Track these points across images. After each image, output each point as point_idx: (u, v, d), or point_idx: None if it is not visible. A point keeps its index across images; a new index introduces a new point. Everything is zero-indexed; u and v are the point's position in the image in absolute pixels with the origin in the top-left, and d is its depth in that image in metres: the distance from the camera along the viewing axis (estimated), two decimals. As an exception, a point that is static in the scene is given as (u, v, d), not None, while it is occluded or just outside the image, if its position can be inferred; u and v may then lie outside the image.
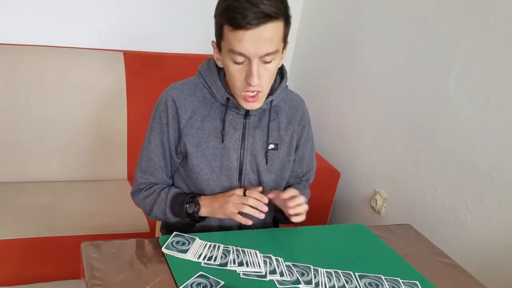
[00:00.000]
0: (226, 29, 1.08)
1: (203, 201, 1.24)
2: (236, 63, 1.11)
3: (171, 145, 1.27)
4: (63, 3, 2.16)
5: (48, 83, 2.04)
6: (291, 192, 1.24)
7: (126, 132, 2.17)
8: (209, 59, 1.27)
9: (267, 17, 1.04)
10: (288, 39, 1.16)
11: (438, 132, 1.82)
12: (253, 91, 1.14)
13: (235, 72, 1.12)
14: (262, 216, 1.18)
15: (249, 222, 1.18)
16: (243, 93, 1.15)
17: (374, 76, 2.15)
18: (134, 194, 1.34)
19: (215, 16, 1.12)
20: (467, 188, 1.72)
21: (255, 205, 1.17)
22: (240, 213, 1.19)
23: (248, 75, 1.10)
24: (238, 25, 1.05)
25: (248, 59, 1.09)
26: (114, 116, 2.16)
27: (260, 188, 1.26)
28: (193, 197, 1.25)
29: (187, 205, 1.23)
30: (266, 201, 1.18)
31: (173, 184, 1.35)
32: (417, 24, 1.90)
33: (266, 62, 1.11)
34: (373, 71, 2.15)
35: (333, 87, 2.42)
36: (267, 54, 1.09)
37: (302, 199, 1.23)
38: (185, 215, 1.24)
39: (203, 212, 1.24)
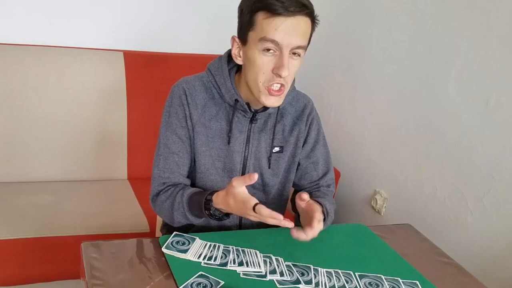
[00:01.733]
0: (261, 16, 1.07)
1: (219, 206, 1.11)
2: (265, 52, 1.08)
3: (191, 138, 1.22)
4: (63, 3, 2.16)
5: (48, 83, 2.04)
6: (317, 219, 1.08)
7: (126, 132, 2.16)
8: (220, 58, 1.23)
9: (304, 7, 1.06)
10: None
11: (438, 132, 1.82)
12: (278, 84, 1.11)
13: (263, 64, 1.09)
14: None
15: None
16: (268, 86, 1.11)
17: (374, 76, 2.15)
18: (152, 200, 1.25)
19: (243, 7, 1.11)
20: (467, 188, 1.72)
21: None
22: None
23: (278, 66, 1.08)
24: (276, 11, 1.04)
25: (280, 49, 1.08)
26: (114, 116, 2.16)
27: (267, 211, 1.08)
28: (209, 197, 1.12)
29: (207, 212, 1.13)
30: (279, 219, 1.02)
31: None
32: (417, 24, 1.90)
33: (294, 56, 1.10)
34: (373, 71, 2.15)
35: (333, 87, 2.42)
36: (298, 47, 1.09)
37: (317, 231, 1.08)
38: (207, 217, 1.15)
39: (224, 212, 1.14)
